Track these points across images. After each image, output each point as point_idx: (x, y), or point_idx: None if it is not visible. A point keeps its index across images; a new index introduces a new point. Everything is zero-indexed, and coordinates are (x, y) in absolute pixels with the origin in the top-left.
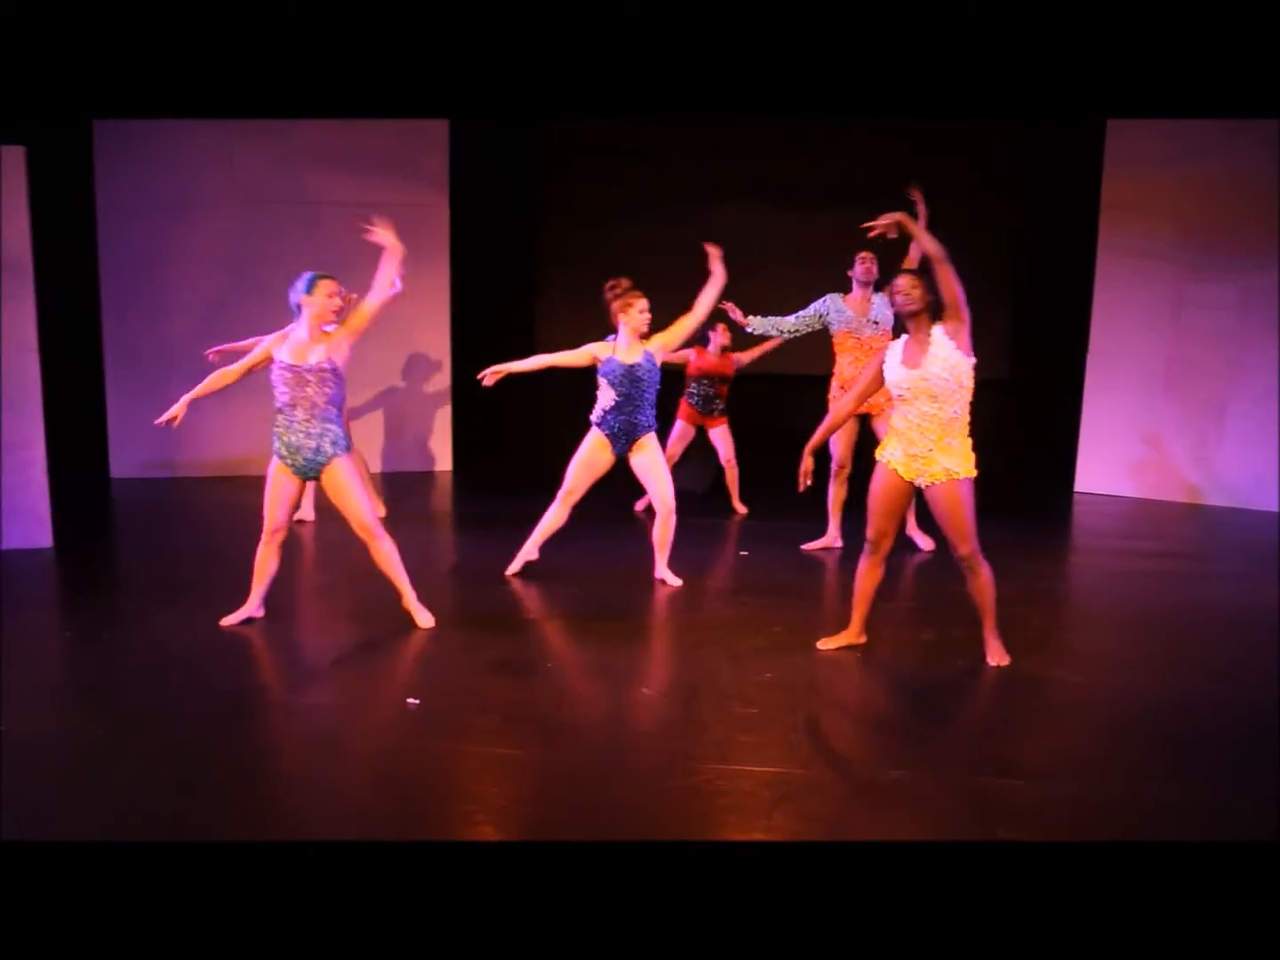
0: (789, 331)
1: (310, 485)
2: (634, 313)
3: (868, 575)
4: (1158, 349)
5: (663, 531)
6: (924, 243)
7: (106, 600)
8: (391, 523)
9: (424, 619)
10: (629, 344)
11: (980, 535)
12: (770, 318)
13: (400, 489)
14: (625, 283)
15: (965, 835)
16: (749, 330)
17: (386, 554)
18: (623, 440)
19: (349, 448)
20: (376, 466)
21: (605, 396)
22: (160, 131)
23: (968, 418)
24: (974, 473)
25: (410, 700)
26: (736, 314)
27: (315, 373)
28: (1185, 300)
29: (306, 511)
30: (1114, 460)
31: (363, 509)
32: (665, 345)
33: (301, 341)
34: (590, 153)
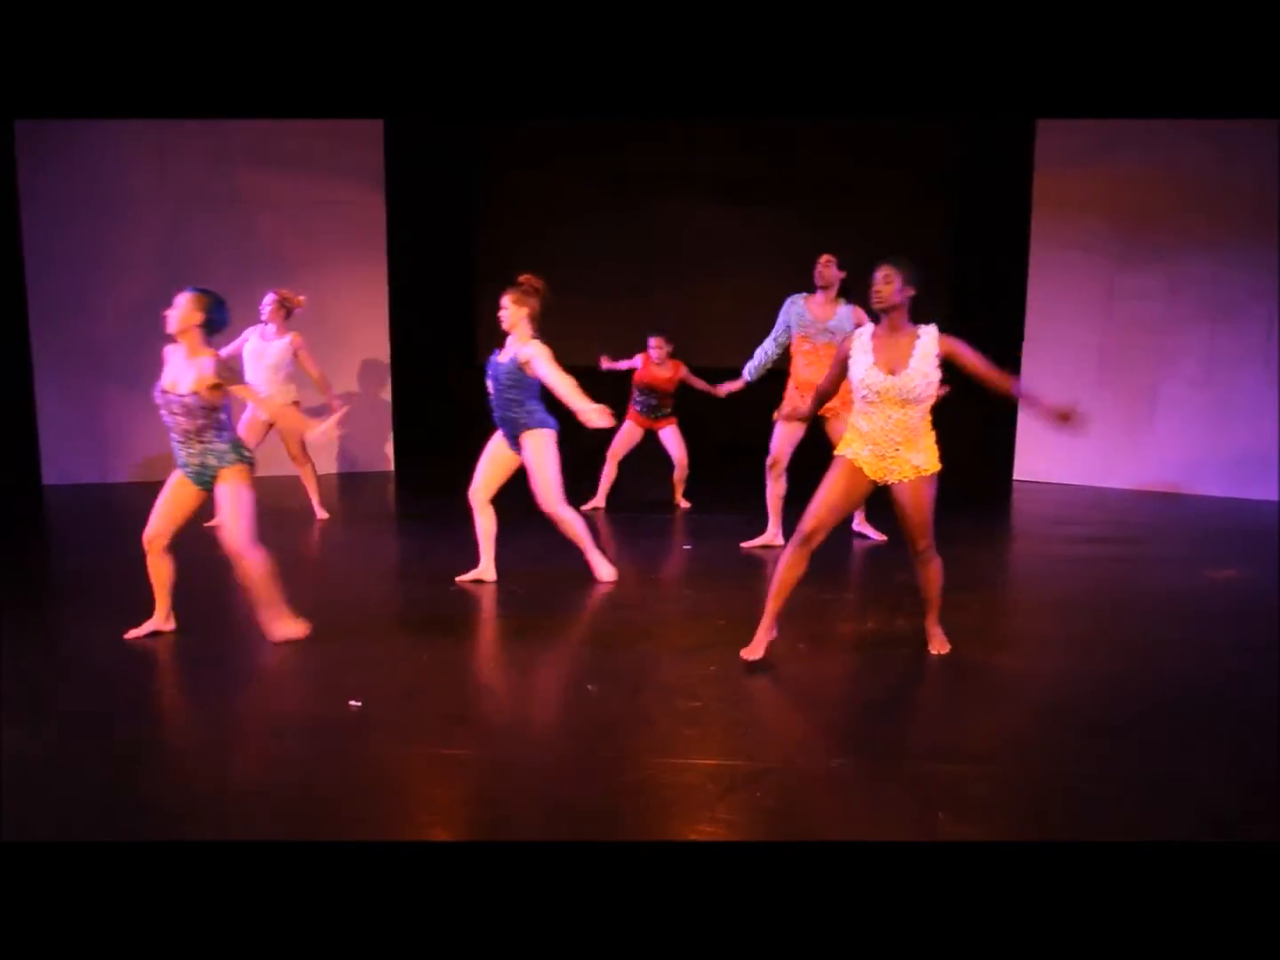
0: (776, 354)
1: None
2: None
3: (792, 567)
4: (1090, 338)
5: (569, 531)
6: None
7: (38, 610)
8: (335, 524)
9: (290, 631)
10: (510, 341)
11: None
12: (756, 357)
13: (344, 490)
14: (521, 278)
15: (909, 821)
16: (750, 380)
17: (248, 572)
18: (508, 434)
19: (239, 460)
20: (321, 468)
21: None
22: (87, 129)
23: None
24: (939, 467)
25: (352, 702)
26: (729, 387)
27: (179, 402)
28: (1115, 290)
29: (319, 511)
30: (1051, 447)
31: (234, 527)
32: (547, 358)
33: (178, 364)
34: (530, 149)
